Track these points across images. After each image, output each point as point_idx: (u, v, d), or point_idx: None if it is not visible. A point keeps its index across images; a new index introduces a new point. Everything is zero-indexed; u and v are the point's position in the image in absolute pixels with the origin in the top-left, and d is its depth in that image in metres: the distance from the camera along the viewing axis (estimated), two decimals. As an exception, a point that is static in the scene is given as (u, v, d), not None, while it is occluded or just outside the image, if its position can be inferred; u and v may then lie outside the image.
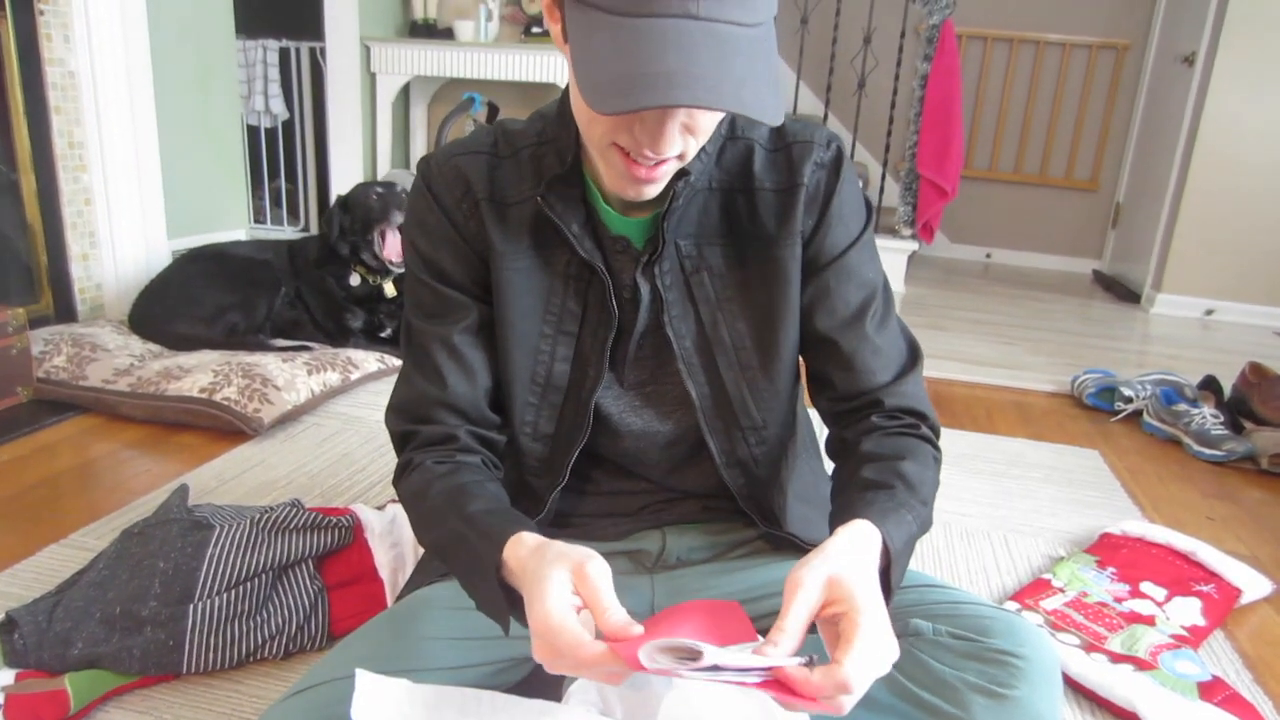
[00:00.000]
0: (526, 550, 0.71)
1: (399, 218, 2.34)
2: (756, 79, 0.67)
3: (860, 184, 0.90)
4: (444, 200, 0.88)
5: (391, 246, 2.35)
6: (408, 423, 0.89)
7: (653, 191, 0.78)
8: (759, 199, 0.87)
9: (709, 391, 0.91)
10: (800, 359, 0.95)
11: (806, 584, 0.67)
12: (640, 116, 0.71)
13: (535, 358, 0.90)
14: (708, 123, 0.75)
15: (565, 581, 0.65)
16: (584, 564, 0.66)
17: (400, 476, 0.88)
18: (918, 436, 0.88)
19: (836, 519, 0.78)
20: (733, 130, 0.88)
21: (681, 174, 0.83)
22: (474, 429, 0.89)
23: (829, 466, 1.11)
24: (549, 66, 3.48)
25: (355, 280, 2.40)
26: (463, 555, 0.77)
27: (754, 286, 0.89)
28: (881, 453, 0.86)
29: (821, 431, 1.03)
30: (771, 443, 0.94)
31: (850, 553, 0.71)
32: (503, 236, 0.87)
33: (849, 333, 0.89)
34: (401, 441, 0.90)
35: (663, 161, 0.75)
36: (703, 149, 0.84)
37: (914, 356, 0.93)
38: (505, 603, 0.72)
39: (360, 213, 2.37)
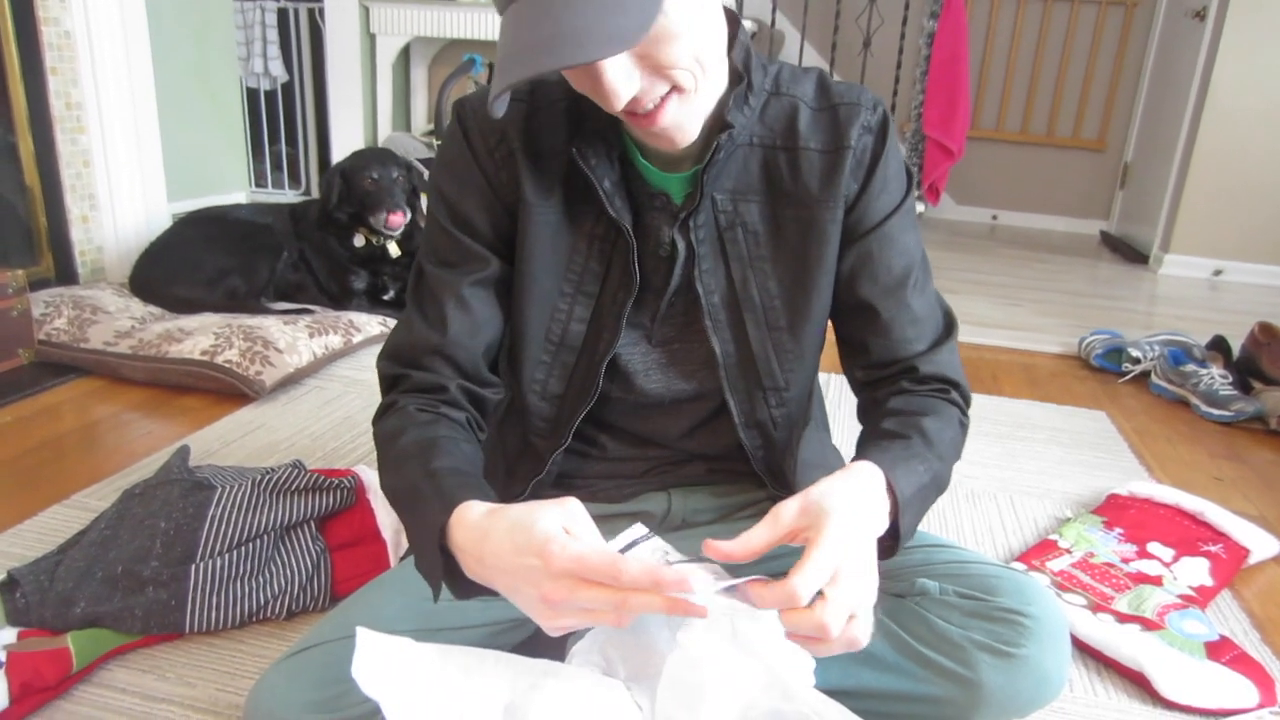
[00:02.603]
0: (477, 515, 0.68)
1: (393, 201, 2.32)
2: (602, 10, 0.64)
3: (901, 150, 0.88)
4: (478, 147, 0.85)
5: (391, 222, 2.34)
6: (399, 366, 0.87)
7: (680, 135, 0.76)
8: (802, 158, 0.85)
9: (734, 350, 0.89)
10: (831, 325, 0.94)
11: (780, 511, 0.68)
12: (586, 79, 0.71)
13: (552, 316, 0.88)
14: (664, 52, 0.70)
15: (557, 521, 0.64)
16: (564, 505, 0.65)
17: (379, 416, 0.86)
18: (946, 400, 0.87)
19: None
20: (776, 86, 0.85)
21: (724, 127, 0.80)
22: (466, 384, 0.86)
23: (836, 441, 1.11)
24: (550, 25, 3.42)
25: (359, 241, 2.38)
26: (414, 508, 0.75)
27: (789, 246, 0.87)
28: (905, 409, 0.85)
29: (835, 403, 1.02)
30: (791, 405, 0.92)
31: (833, 481, 0.71)
32: (535, 188, 0.85)
33: (890, 300, 0.88)
34: (390, 384, 0.88)
35: (658, 108, 0.73)
36: (746, 104, 0.82)
37: (949, 326, 0.92)
38: (440, 567, 0.70)
39: (357, 194, 2.34)
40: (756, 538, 0.67)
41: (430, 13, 3.54)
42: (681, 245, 0.86)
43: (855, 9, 4.09)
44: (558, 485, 0.98)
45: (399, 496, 0.79)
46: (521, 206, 0.85)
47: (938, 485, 0.81)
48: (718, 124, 0.82)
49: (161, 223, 2.61)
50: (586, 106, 0.84)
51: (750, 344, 0.89)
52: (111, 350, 1.95)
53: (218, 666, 1.05)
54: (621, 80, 0.69)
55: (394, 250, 2.40)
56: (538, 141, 0.85)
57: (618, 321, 0.87)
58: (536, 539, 0.62)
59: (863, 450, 0.80)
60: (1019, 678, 0.79)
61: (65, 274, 2.45)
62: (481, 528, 0.67)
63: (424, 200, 2.74)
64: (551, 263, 0.87)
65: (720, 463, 0.99)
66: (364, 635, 0.68)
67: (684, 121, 0.75)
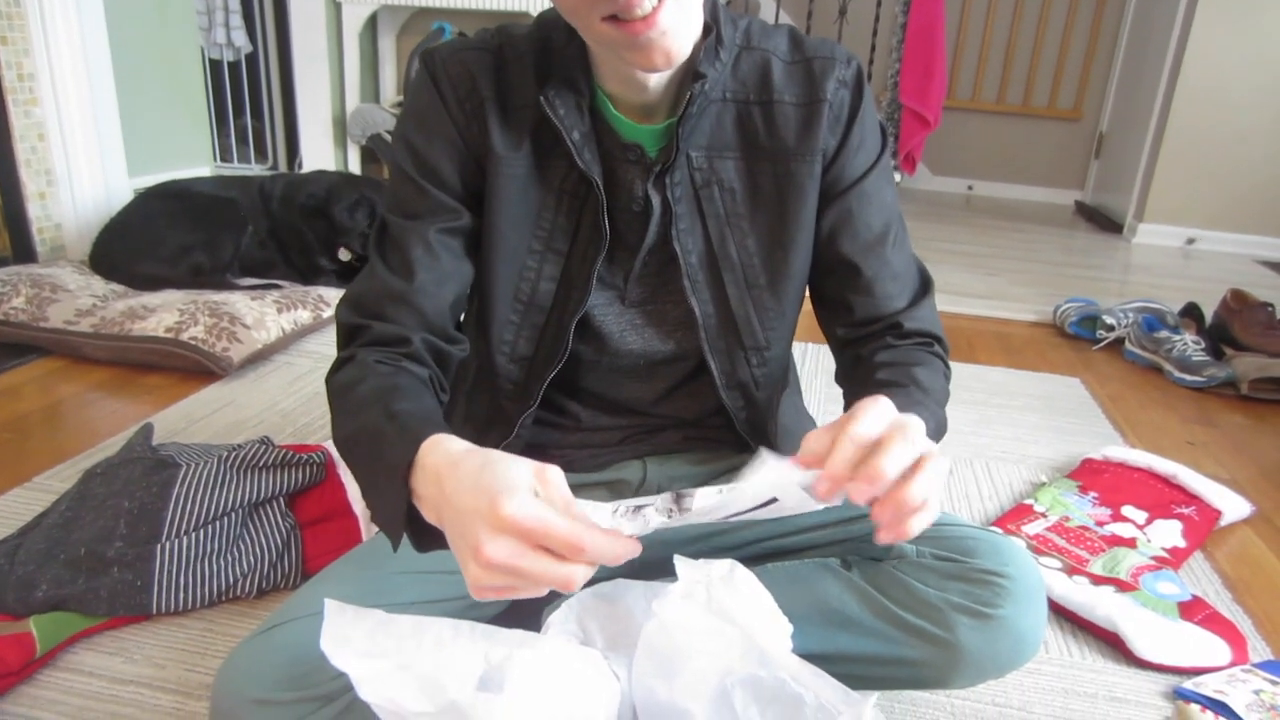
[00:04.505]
0: (458, 449, 0.62)
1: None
2: None
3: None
4: (448, 96, 0.82)
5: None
6: (360, 316, 0.82)
7: (676, 45, 0.72)
8: (778, 111, 0.83)
9: (713, 310, 0.88)
10: (810, 285, 0.92)
11: (859, 409, 0.62)
12: None
13: (520, 274, 0.85)
14: None
15: (528, 475, 0.58)
16: (544, 468, 0.59)
17: (335, 370, 0.81)
18: (930, 352, 0.87)
19: None
20: (747, 40, 0.84)
21: (697, 76, 0.78)
22: (430, 337, 0.82)
23: (810, 408, 1.09)
24: (521, -6, 3.37)
25: (345, 256, 2.33)
26: (373, 451, 0.69)
27: (766, 203, 0.85)
28: (895, 361, 0.84)
29: (813, 372, 1.01)
30: (772, 365, 0.91)
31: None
32: (504, 140, 0.82)
33: (871, 257, 0.87)
34: (349, 335, 0.82)
35: (656, 10, 0.68)
36: (717, 58, 0.80)
37: (925, 283, 0.91)
38: (403, 512, 0.64)
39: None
40: (818, 440, 0.61)
41: (397, -19, 3.47)
42: (657, 202, 0.84)
43: (829, -23, 4.06)
44: (530, 455, 0.97)
45: (357, 442, 0.72)
46: (490, 159, 0.83)
47: (939, 432, 0.80)
48: (689, 76, 0.80)
49: (123, 198, 2.55)
50: (555, 58, 0.82)
51: (730, 303, 0.87)
52: (73, 329, 1.90)
53: (187, 647, 1.03)
54: None
55: None
56: (508, 93, 0.83)
57: (588, 280, 0.85)
58: (498, 484, 0.56)
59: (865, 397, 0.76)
60: (996, 639, 0.78)
61: (23, 252, 2.39)
62: (454, 456, 0.61)
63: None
64: (520, 218, 0.84)
65: (696, 429, 0.98)
66: (332, 606, 0.66)
67: (680, 27, 0.72)
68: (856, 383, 0.86)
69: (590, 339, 0.90)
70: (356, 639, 0.65)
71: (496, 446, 0.90)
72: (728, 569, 0.78)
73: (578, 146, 0.81)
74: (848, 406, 0.86)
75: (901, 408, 0.72)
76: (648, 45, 0.71)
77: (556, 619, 0.78)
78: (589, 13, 0.69)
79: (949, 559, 0.83)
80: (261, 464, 1.19)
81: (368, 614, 0.68)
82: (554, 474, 0.59)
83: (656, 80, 0.79)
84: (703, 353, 0.89)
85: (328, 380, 0.82)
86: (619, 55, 0.73)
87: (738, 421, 0.92)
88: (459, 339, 0.86)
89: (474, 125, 0.83)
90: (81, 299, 2.00)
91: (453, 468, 0.61)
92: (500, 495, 0.55)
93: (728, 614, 0.74)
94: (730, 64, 0.83)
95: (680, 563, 0.76)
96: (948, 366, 0.89)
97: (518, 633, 0.74)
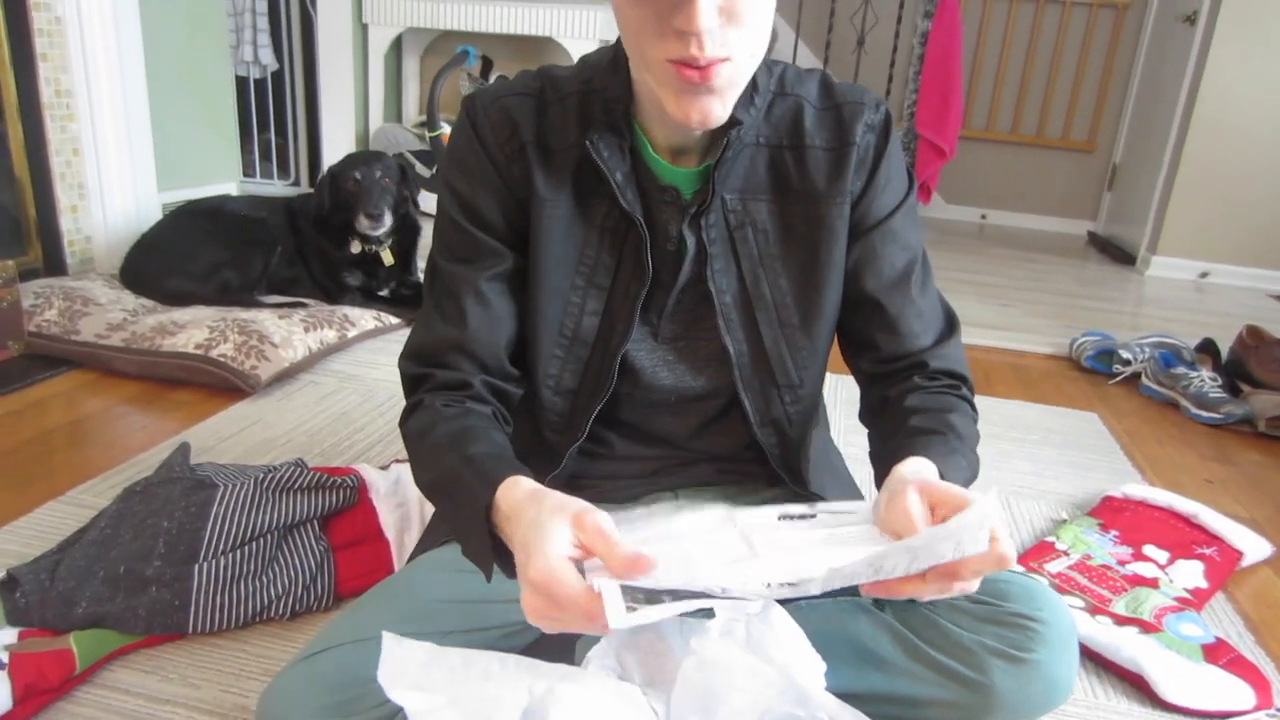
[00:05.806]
0: (522, 494, 0.69)
1: (370, 202, 2.29)
2: None
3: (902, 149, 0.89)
4: (488, 142, 0.85)
5: (362, 223, 2.32)
6: (422, 366, 0.87)
7: (717, 109, 0.74)
8: (809, 156, 0.86)
9: (747, 349, 0.90)
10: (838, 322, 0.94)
11: (907, 496, 0.67)
12: (673, 7, 0.68)
13: (565, 309, 0.88)
14: (743, 7, 0.69)
15: (565, 532, 0.63)
16: (583, 514, 0.64)
17: (407, 416, 0.87)
18: (958, 396, 0.89)
19: (890, 462, 0.77)
20: (781, 87, 0.87)
21: (733, 123, 0.81)
22: (489, 379, 0.87)
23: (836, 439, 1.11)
24: (544, 20, 3.41)
25: (355, 248, 2.37)
26: (456, 495, 0.75)
27: (799, 244, 0.88)
28: (928, 406, 0.86)
29: (831, 404, 1.02)
30: (805, 402, 0.93)
31: (921, 469, 0.74)
32: (546, 182, 0.85)
33: (894, 294, 0.89)
34: (413, 384, 0.88)
35: (714, 63, 0.70)
36: (751, 104, 0.83)
37: (952, 323, 0.93)
38: (490, 548, 0.71)
39: (342, 197, 2.31)
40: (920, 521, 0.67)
41: (423, 3, 3.51)
42: (691, 242, 0.86)
43: (850, 8, 4.09)
44: (569, 486, 0.98)
45: (439, 487, 0.79)
46: (533, 201, 0.86)
47: (973, 479, 0.83)
48: (725, 121, 0.82)
49: (152, 213, 2.59)
50: (596, 100, 0.85)
51: (764, 342, 0.90)
52: (103, 343, 1.92)
53: (221, 667, 1.05)
54: (713, 12, 0.68)
55: (388, 258, 2.39)
56: (548, 136, 0.86)
57: (631, 314, 0.87)
58: (532, 544, 0.63)
59: (897, 445, 0.80)
60: (1030, 682, 0.79)
61: (54, 264, 2.43)
62: (518, 505, 0.68)
63: (424, 200, 2.73)
64: (563, 256, 0.87)
65: (729, 463, 0.99)
66: (389, 640, 0.68)
67: (728, 92, 0.74)
68: (888, 425, 0.88)
69: (624, 373, 0.92)
70: (410, 673, 0.67)
71: (542, 478, 0.92)
72: (762, 607, 0.79)
73: (620, 187, 0.84)
74: (876, 448, 0.88)
75: (939, 455, 0.76)
76: (693, 99, 0.72)
77: (596, 653, 0.80)
78: (655, 46, 0.71)
79: (982, 602, 0.84)
80: (296, 486, 1.21)
81: (419, 646, 0.69)
82: (592, 519, 0.63)
83: None
84: (735, 389, 0.91)
85: (401, 425, 0.87)
86: (663, 97, 0.74)
87: (771, 457, 0.94)
88: (516, 376, 0.90)
89: (515, 169, 0.85)
90: (112, 313, 2.03)
91: (517, 517, 0.67)
92: (530, 557, 0.62)
93: (765, 652, 0.75)
94: (764, 109, 0.86)
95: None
96: (974, 409, 0.91)
97: (560, 666, 0.75)
